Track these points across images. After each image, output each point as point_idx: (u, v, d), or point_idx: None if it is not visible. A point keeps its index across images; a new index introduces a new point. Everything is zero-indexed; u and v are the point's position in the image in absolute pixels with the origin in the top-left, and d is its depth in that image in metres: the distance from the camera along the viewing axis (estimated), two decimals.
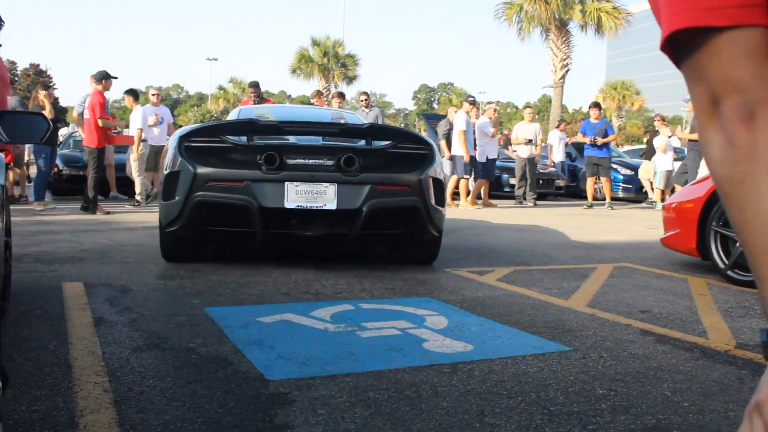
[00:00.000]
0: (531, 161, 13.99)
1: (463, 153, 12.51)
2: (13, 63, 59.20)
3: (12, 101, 10.89)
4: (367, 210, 5.06)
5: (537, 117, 14.86)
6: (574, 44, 30.10)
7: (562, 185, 16.42)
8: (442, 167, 5.95)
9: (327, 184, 5.06)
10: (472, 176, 12.95)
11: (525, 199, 14.03)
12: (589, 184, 13.67)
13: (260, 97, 12.34)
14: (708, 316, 4.17)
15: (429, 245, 5.71)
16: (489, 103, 13.69)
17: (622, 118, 56.61)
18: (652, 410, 2.54)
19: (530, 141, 13.99)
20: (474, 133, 12.94)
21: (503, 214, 11.29)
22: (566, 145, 16.81)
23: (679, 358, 3.25)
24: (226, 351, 3.15)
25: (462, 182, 12.82)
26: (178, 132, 5.51)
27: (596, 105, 13.90)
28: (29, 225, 8.02)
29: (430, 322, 3.79)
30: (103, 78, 10.36)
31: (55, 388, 2.61)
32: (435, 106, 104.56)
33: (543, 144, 15.73)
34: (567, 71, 29.73)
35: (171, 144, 5.45)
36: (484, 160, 13.00)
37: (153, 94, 12.64)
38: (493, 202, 13.46)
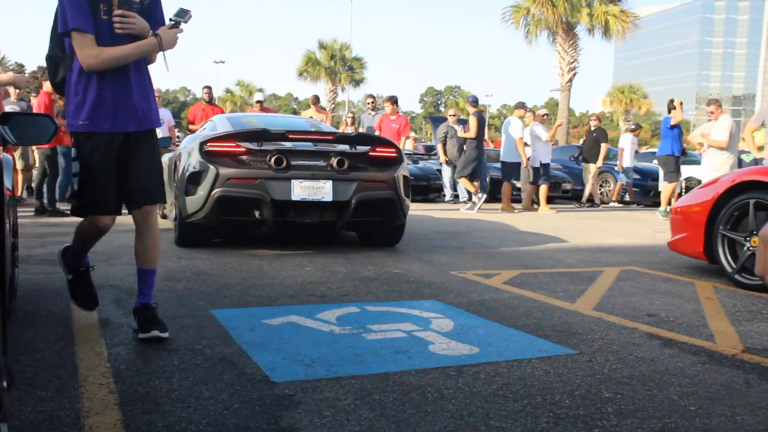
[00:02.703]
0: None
1: (522, 159, 12.64)
2: (21, 66, 59.46)
3: (23, 105, 10.98)
4: (355, 201, 6.18)
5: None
6: (582, 48, 30.16)
7: (569, 188, 16.38)
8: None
9: (325, 181, 6.15)
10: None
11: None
12: (669, 189, 12.40)
13: (210, 97, 13.28)
14: (715, 319, 4.15)
15: (397, 229, 6.93)
16: (541, 108, 13.61)
17: (629, 122, 56.49)
18: (658, 414, 2.53)
19: (526, 144, 13.95)
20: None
21: (509, 218, 11.27)
22: (636, 152, 16.24)
23: (686, 362, 3.23)
24: (231, 353, 3.15)
25: (506, 186, 12.82)
26: (198, 138, 6.47)
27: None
28: (36, 227, 8.04)
29: (436, 324, 3.79)
30: None
31: (60, 389, 2.62)
32: (442, 109, 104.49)
33: (555, 146, 15.59)
34: (574, 75, 29.75)
35: (189, 148, 6.55)
36: (537, 165, 12.96)
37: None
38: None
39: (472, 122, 12.63)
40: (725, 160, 10.74)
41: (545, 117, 13.74)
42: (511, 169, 12.84)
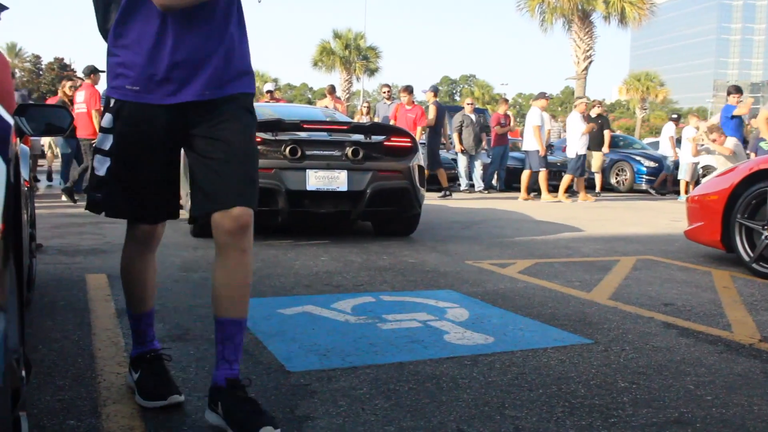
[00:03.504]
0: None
1: (539, 147, 12.69)
2: (37, 57, 59.81)
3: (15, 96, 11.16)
4: (370, 191, 6.22)
5: (559, 109, 14.28)
6: (597, 35, 29.89)
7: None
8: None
9: (339, 171, 6.18)
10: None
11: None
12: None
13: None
14: (732, 309, 4.13)
15: (412, 219, 6.94)
16: (579, 98, 13.51)
17: (645, 109, 56.15)
18: (674, 404, 2.52)
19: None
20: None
21: (525, 207, 11.24)
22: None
23: (703, 351, 3.21)
24: (247, 342, 3.16)
25: (541, 174, 12.89)
26: None
27: (737, 90, 12.02)
28: (54, 217, 8.10)
29: (451, 314, 3.79)
30: (92, 72, 11.01)
31: (78, 378, 2.64)
32: (457, 98, 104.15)
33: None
34: (590, 63, 29.51)
35: None
36: (573, 156, 12.91)
37: None
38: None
39: (432, 111, 13.12)
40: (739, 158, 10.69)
41: (586, 106, 13.64)
42: (534, 158, 12.81)
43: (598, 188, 15.05)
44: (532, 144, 12.76)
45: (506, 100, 16.62)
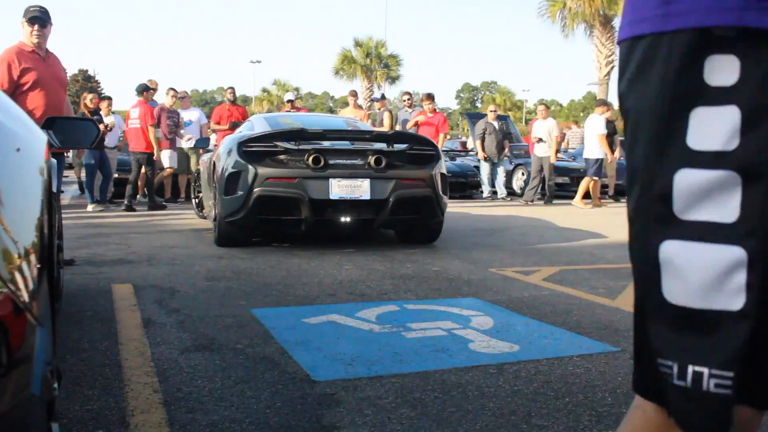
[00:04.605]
0: (546, 160, 13.70)
1: (601, 156, 12.69)
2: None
3: None
4: (393, 199, 6.23)
5: (582, 115, 14.16)
6: None
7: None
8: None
9: (362, 179, 6.20)
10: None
11: (543, 197, 13.86)
12: None
13: (234, 98, 13.85)
14: None
15: (435, 227, 6.93)
16: None
17: None
18: None
19: (540, 140, 13.77)
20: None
21: (548, 213, 11.19)
22: None
23: None
24: (272, 352, 3.18)
25: (586, 181, 12.89)
26: (237, 138, 6.51)
27: None
28: (79, 228, 8.19)
29: (476, 322, 3.78)
30: (144, 90, 11.67)
31: (106, 388, 2.66)
32: (478, 105, 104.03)
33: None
34: (612, 68, 29.35)
35: (227, 148, 6.52)
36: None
37: (180, 98, 13.27)
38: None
39: (387, 118, 13.40)
40: None
41: None
42: (593, 165, 12.75)
43: (611, 191, 14.88)
44: (596, 152, 12.70)
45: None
